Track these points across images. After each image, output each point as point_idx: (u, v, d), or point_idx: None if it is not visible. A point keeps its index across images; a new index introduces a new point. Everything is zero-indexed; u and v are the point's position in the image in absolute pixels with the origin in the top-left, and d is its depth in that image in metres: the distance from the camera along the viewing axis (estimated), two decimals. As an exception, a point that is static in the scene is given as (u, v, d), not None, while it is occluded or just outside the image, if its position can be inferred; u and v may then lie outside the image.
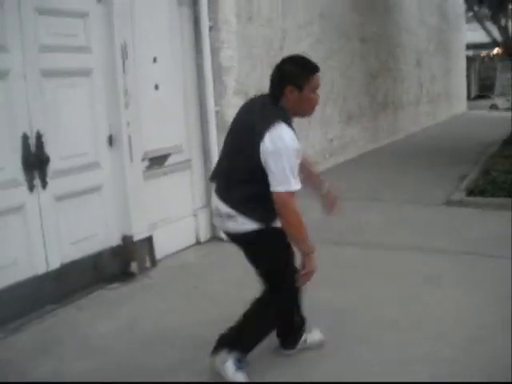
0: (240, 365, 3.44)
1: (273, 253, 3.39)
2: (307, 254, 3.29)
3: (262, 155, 3.13)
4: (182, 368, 3.72)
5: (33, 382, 3.01)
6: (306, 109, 3.34)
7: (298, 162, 3.19)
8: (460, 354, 3.77)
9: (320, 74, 3.31)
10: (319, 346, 3.87)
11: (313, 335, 3.88)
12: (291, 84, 3.22)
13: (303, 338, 3.82)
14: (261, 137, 3.12)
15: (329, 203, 3.76)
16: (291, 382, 3.39)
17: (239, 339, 3.51)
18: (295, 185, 3.14)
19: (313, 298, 3.88)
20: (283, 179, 3.11)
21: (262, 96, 3.40)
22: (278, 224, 3.30)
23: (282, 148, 3.10)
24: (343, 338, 4.02)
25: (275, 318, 3.59)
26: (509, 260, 5.31)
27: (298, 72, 3.24)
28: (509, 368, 3.44)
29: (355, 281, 5.08)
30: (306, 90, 3.24)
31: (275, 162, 3.10)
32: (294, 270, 3.39)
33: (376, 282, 5.04)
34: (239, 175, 3.31)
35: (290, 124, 3.22)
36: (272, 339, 3.72)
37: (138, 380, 3.58)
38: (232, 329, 3.51)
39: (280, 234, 3.31)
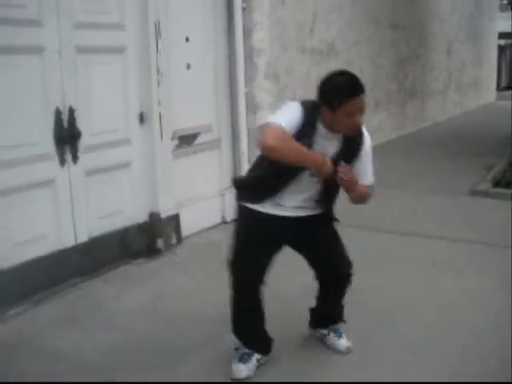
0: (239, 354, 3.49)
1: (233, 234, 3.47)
2: (324, 164, 3.06)
3: None
4: (202, 345, 3.78)
5: (33, 382, 3.05)
6: (340, 130, 3.13)
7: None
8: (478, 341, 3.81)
9: (363, 97, 3.07)
10: (341, 351, 3.72)
11: (340, 341, 3.73)
12: (325, 105, 3.07)
13: (324, 331, 3.78)
14: None
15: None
16: (291, 382, 3.37)
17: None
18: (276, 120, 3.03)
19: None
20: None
21: (313, 103, 3.19)
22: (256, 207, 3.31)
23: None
24: (367, 322, 4.07)
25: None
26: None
27: (333, 94, 3.04)
28: None
29: (378, 266, 5.11)
30: (339, 113, 3.03)
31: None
32: (242, 262, 3.43)
33: (397, 269, 5.07)
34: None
35: (308, 118, 3.08)
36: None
37: (160, 356, 3.65)
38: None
39: (245, 213, 3.37)
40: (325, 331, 3.77)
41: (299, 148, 3.00)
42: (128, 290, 4.65)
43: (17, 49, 4.31)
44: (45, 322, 4.12)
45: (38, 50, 4.42)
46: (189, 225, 5.83)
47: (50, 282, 4.56)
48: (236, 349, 3.51)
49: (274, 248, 3.42)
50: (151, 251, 5.42)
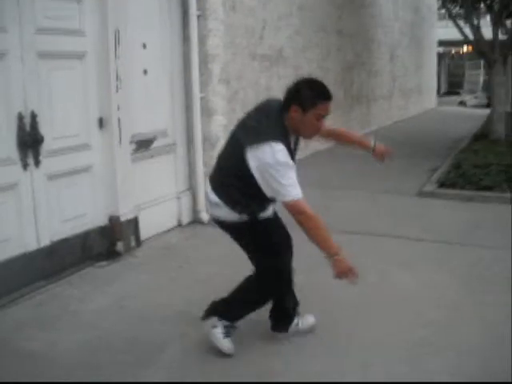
0: (227, 333, 3.67)
1: (255, 242, 3.58)
2: (332, 257, 3.31)
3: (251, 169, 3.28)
4: (172, 341, 3.90)
5: (34, 382, 3.11)
6: (305, 132, 3.38)
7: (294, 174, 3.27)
8: (436, 333, 4.01)
9: (330, 104, 3.31)
10: (311, 330, 3.99)
11: (305, 319, 3.99)
12: (297, 104, 3.27)
13: (295, 321, 3.94)
14: (245, 150, 3.26)
15: (380, 153, 4.00)
16: (291, 382, 3.45)
17: (227, 309, 3.72)
18: (297, 192, 3.24)
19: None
20: (284, 191, 3.22)
21: (278, 102, 3.44)
22: (264, 215, 3.54)
23: (265, 164, 3.20)
24: (319, 319, 4.16)
25: (261, 297, 3.74)
26: (476, 247, 5.69)
27: (308, 94, 3.27)
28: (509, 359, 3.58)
29: (328, 266, 5.26)
30: (309, 114, 3.27)
31: (265, 178, 3.25)
32: (282, 255, 3.61)
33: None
34: (229, 170, 3.48)
35: (283, 139, 3.26)
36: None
37: (132, 352, 3.76)
38: (223, 299, 3.73)
39: (262, 224, 3.53)
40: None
41: (324, 231, 3.31)
42: (93, 291, 4.73)
43: (-21, 54, 4.35)
44: (14, 323, 4.18)
45: (0, 55, 4.46)
46: (146, 228, 5.93)
47: (16, 285, 4.61)
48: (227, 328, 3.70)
49: None
50: (111, 254, 5.50)
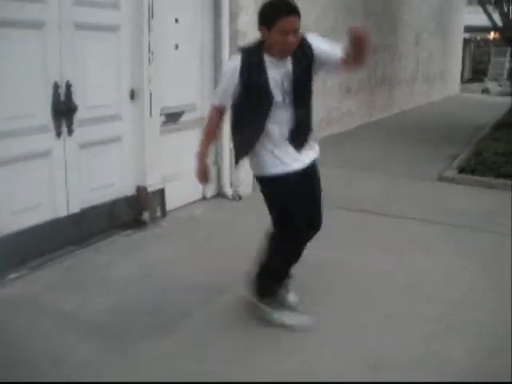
0: (274, 305, 3.84)
1: (269, 200, 3.71)
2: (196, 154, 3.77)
3: None
4: (196, 309, 4.04)
5: (33, 382, 3.25)
6: (276, 49, 3.46)
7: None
8: (451, 313, 4.13)
9: (297, 18, 3.35)
10: (291, 309, 3.96)
11: (290, 295, 3.99)
12: (263, 24, 3.43)
13: (280, 293, 3.94)
14: None
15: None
16: (290, 382, 3.40)
17: (260, 289, 3.87)
18: (215, 100, 3.76)
19: (315, 256, 4.17)
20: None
21: (257, 41, 3.66)
22: (276, 171, 3.60)
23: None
24: (339, 295, 4.35)
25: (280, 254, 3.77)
26: (492, 233, 5.78)
27: (268, 13, 3.41)
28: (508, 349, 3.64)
29: (351, 243, 5.43)
30: (273, 31, 3.38)
31: None
32: (293, 218, 3.64)
33: (371, 246, 5.38)
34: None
35: (247, 55, 3.53)
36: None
37: (158, 317, 3.91)
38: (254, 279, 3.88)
39: (274, 183, 3.61)
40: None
41: (206, 137, 3.81)
42: (119, 259, 4.88)
43: (19, 23, 4.45)
44: (44, 285, 4.33)
45: (38, 25, 4.57)
46: (172, 199, 6.06)
47: (46, 250, 4.76)
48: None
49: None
50: (137, 223, 5.65)
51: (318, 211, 3.81)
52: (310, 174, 3.71)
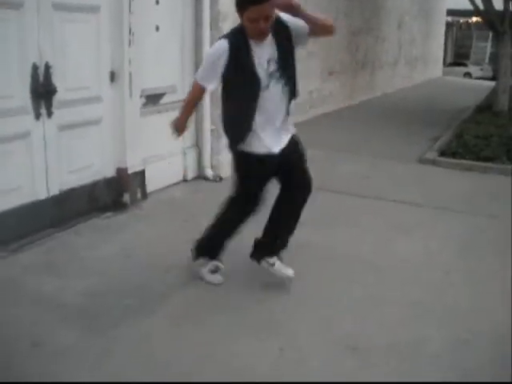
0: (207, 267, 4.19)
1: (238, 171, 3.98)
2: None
3: None
4: (176, 289, 4.07)
5: (33, 382, 3.23)
6: (250, 34, 3.59)
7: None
8: (428, 294, 4.18)
9: (265, 6, 3.43)
10: (284, 280, 4.11)
11: (284, 269, 4.09)
12: (237, 11, 3.57)
13: (271, 261, 4.07)
14: None
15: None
16: (293, 382, 3.34)
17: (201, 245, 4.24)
18: (198, 76, 3.80)
19: (294, 237, 4.17)
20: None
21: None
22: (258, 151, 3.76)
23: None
24: (316, 276, 4.38)
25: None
26: (472, 215, 5.89)
27: (238, 3, 3.54)
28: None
29: (330, 224, 5.47)
30: (244, 18, 3.53)
31: None
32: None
33: (350, 227, 5.44)
34: None
35: (232, 39, 3.62)
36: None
37: (138, 298, 3.92)
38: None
39: (251, 160, 3.80)
40: (273, 260, 4.08)
41: (185, 108, 3.99)
42: (99, 241, 4.88)
43: (-4, 4, 4.41)
44: (24, 268, 4.32)
45: (17, 6, 4.52)
46: (152, 181, 6.06)
47: (26, 232, 4.75)
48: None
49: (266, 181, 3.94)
50: (118, 205, 5.64)
51: (306, 175, 3.98)
52: (289, 149, 3.86)
